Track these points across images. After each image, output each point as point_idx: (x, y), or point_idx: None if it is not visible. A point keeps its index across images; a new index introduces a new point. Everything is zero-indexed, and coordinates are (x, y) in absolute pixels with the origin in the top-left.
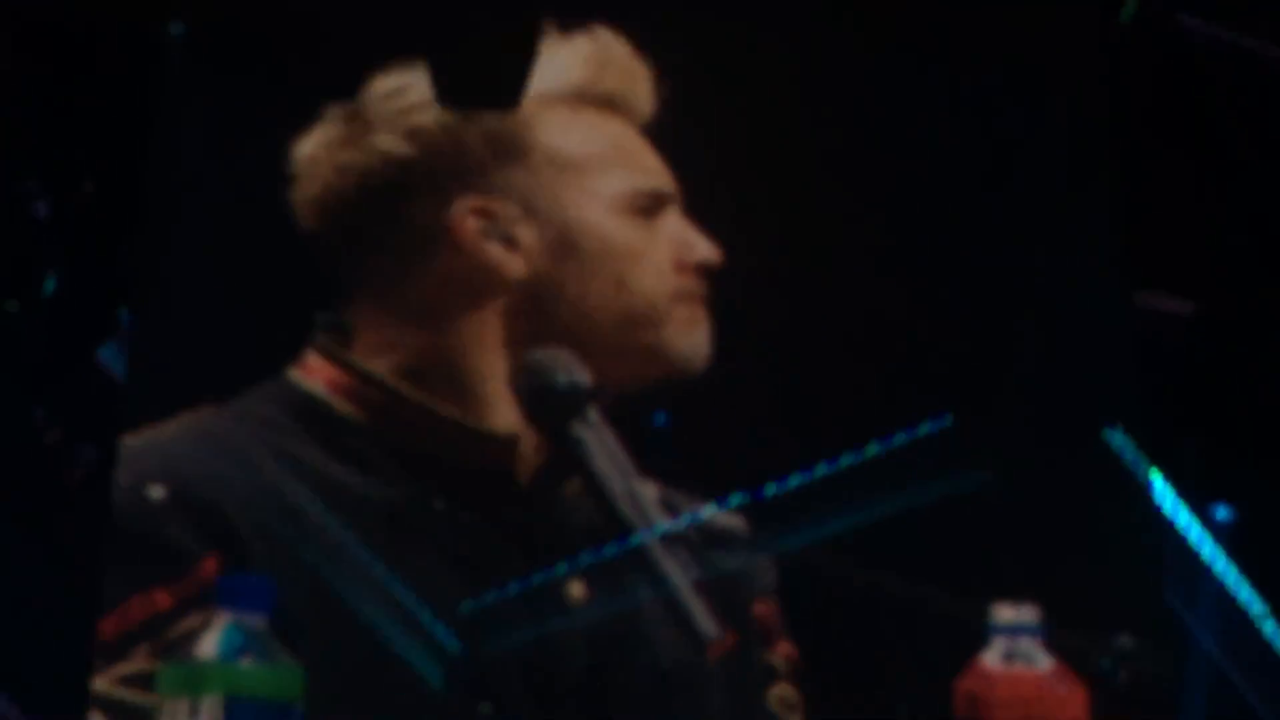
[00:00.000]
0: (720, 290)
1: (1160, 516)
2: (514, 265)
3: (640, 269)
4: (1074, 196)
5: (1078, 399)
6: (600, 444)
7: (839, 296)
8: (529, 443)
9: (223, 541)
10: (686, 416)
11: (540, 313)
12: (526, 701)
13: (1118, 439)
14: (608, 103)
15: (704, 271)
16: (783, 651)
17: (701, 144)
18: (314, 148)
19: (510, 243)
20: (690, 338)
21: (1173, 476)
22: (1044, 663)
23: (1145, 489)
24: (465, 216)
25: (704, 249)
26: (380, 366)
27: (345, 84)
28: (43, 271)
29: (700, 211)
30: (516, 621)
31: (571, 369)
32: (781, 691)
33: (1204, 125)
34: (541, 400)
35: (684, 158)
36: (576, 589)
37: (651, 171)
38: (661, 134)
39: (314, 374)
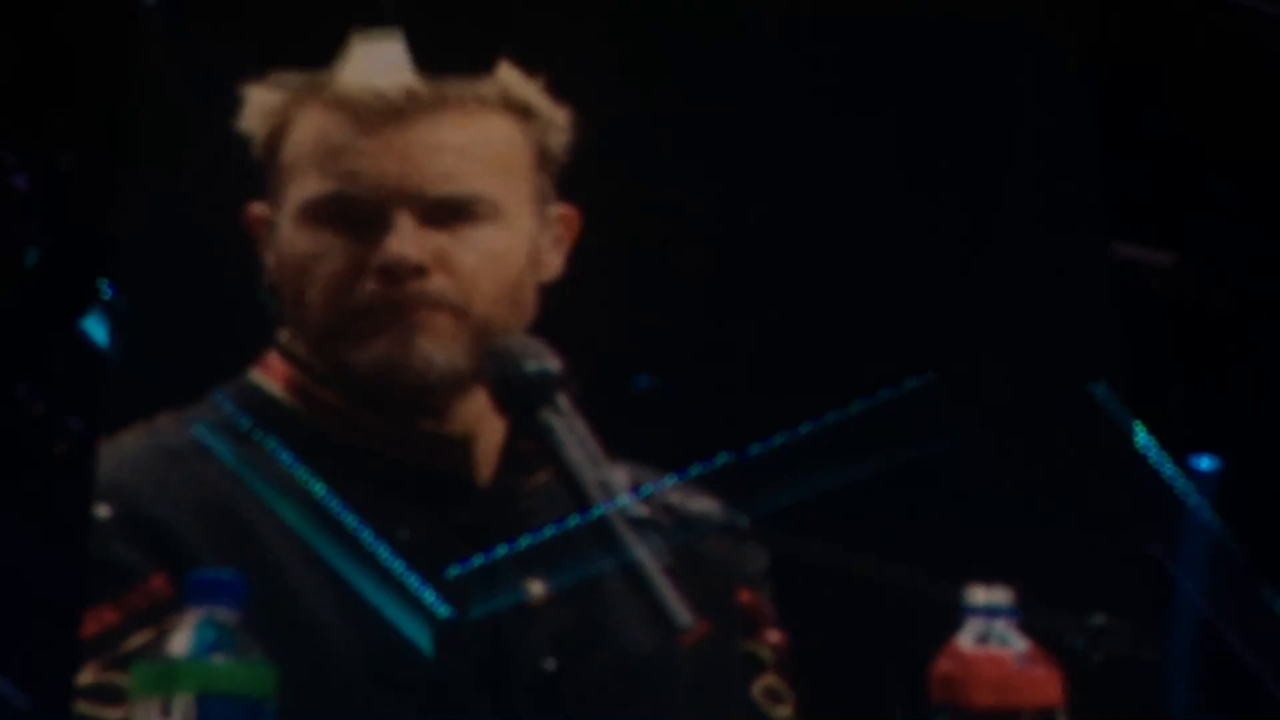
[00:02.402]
0: (705, 253)
1: (1145, 468)
2: (270, 270)
3: (317, 283)
4: (1053, 148)
5: (1061, 352)
6: (570, 431)
7: (819, 254)
8: (487, 442)
9: (170, 557)
10: (668, 381)
11: (297, 320)
12: (482, 700)
13: (1101, 392)
14: (342, 99)
15: (398, 274)
16: (770, 641)
17: (690, 106)
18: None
19: (270, 246)
20: (374, 350)
21: (1157, 428)
22: (1018, 644)
23: (1129, 441)
24: (246, 219)
25: (388, 251)
26: (322, 365)
27: (323, 51)
28: (23, 244)
29: (684, 171)
30: (482, 600)
31: (540, 356)
32: (768, 683)
33: (1182, 74)
34: (510, 388)
35: (671, 116)
36: (536, 588)
37: (353, 176)
38: (640, 95)
39: (271, 372)
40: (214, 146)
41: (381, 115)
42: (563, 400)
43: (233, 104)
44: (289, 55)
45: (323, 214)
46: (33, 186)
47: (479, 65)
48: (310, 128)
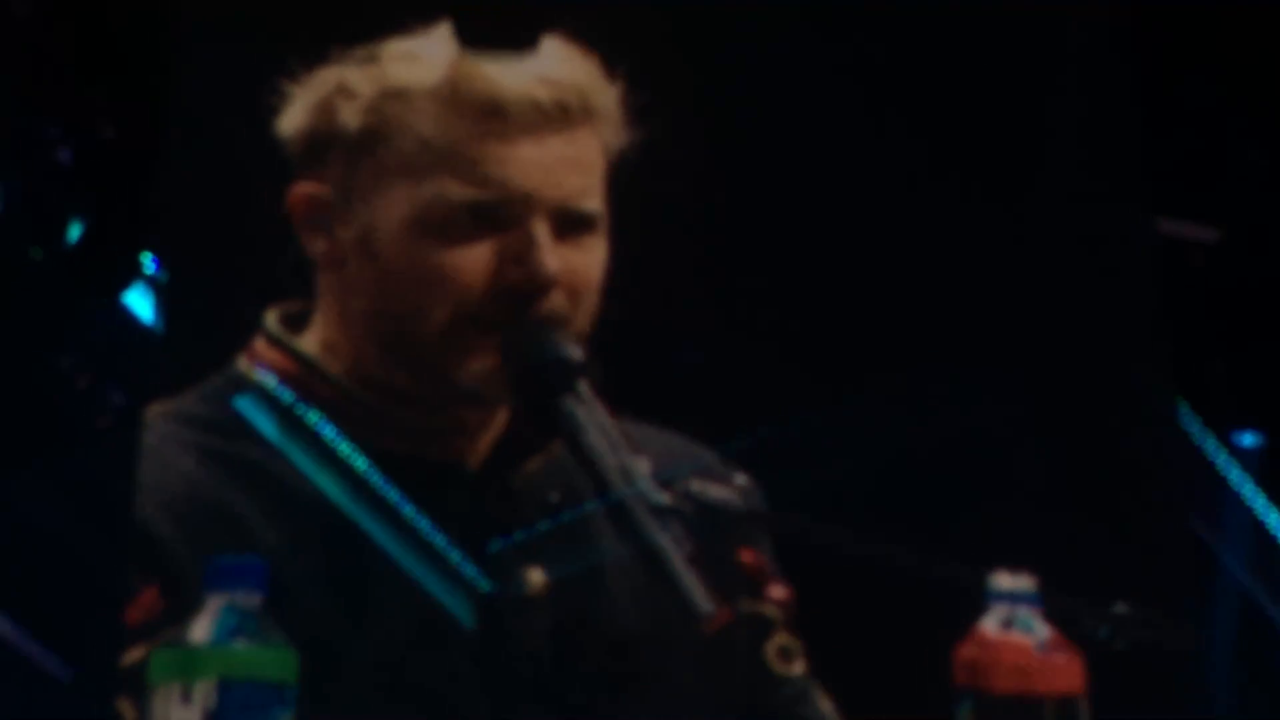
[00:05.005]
0: (739, 231)
1: (1187, 445)
2: (327, 255)
3: (433, 292)
4: (1094, 123)
5: (1101, 328)
6: (591, 418)
7: (858, 228)
8: (484, 430)
9: (160, 569)
10: (707, 355)
11: (358, 312)
12: (481, 693)
13: (1142, 368)
14: (478, 105)
15: (534, 291)
16: (776, 596)
17: (730, 87)
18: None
19: (329, 233)
20: (471, 369)
21: (1199, 404)
22: (1041, 631)
23: (1172, 418)
24: (293, 199)
25: (537, 267)
26: (324, 350)
27: (368, 28)
28: (67, 218)
29: (719, 147)
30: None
31: (561, 343)
32: (780, 642)
33: (1223, 46)
34: (530, 374)
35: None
36: (536, 577)
37: (496, 183)
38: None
39: (261, 361)
40: (258, 119)
41: (516, 123)
42: (584, 387)
43: (279, 77)
44: (336, 34)
45: (453, 220)
46: (76, 159)
47: (522, 41)
48: (430, 127)
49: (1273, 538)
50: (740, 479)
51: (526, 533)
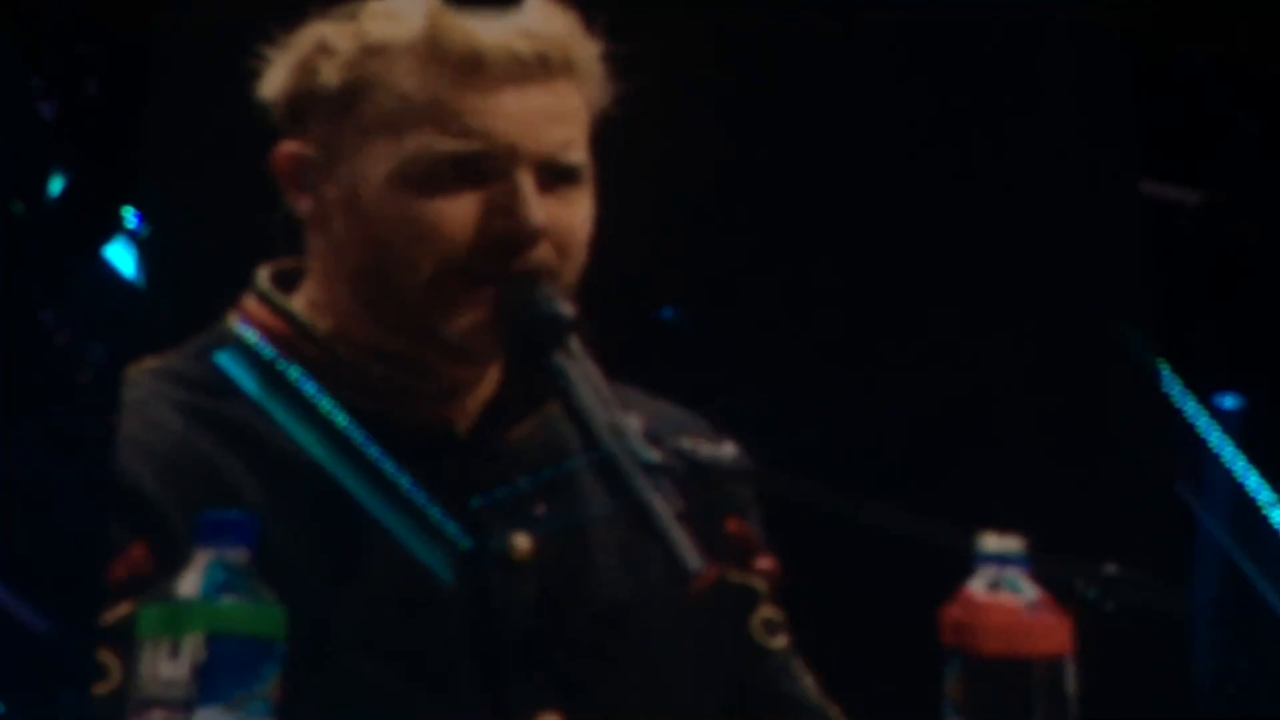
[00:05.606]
0: (725, 187)
1: (1169, 406)
2: (313, 215)
3: (418, 246)
4: (1082, 89)
5: (1087, 290)
6: (582, 375)
7: (848, 193)
8: (473, 394)
9: (149, 524)
10: (693, 314)
11: (344, 271)
12: (465, 656)
13: (1126, 329)
14: (458, 58)
15: (520, 243)
16: (762, 567)
17: (717, 42)
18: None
19: (315, 192)
20: (458, 323)
21: (1181, 365)
22: (1029, 592)
23: (1154, 381)
24: (277, 159)
25: (522, 219)
26: (313, 310)
27: None
28: (49, 172)
29: (706, 104)
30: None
31: (552, 299)
32: (765, 614)
33: (1211, 10)
34: (521, 331)
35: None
36: (522, 542)
37: (477, 135)
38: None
39: (249, 319)
40: (243, 76)
41: (497, 75)
42: (575, 343)
43: (263, 33)
44: None
45: (437, 172)
46: (59, 113)
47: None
48: (411, 82)
49: (1252, 499)
50: (730, 447)
51: (510, 489)
